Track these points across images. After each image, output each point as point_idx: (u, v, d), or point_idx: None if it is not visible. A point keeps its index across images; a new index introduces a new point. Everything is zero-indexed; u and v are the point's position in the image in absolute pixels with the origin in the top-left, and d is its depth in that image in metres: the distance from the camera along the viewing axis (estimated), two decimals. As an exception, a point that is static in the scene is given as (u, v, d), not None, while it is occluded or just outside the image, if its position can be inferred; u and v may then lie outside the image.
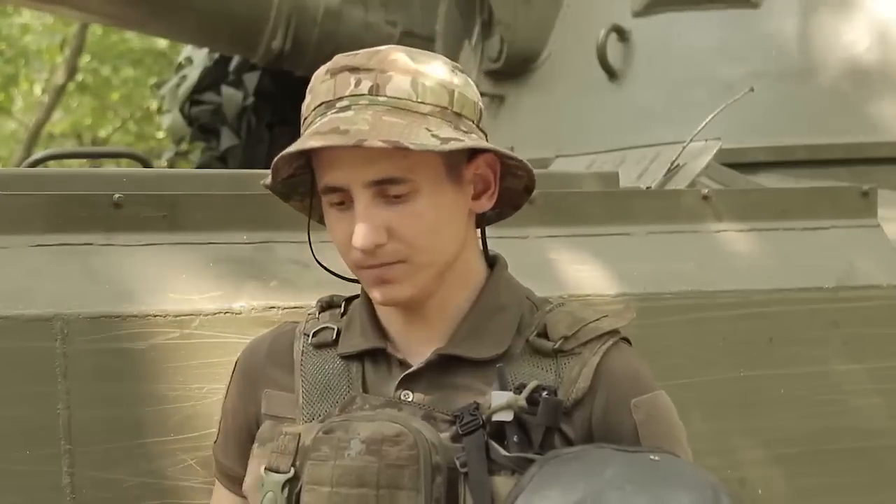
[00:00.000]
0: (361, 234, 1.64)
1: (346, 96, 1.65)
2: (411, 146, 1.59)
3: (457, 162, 1.69)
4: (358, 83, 1.65)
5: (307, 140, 1.64)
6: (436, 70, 1.69)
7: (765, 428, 2.55)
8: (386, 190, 1.64)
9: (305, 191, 1.79)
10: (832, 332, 2.62)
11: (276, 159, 1.68)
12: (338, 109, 1.65)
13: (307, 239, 1.83)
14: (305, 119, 1.71)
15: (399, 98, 1.65)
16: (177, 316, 2.16)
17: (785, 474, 2.56)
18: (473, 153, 1.72)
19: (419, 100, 1.65)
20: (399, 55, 1.68)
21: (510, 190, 1.78)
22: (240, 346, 2.02)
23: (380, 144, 1.59)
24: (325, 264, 1.82)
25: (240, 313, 2.20)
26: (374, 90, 1.65)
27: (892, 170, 3.66)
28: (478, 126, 1.72)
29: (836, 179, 3.61)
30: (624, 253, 2.57)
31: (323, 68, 1.70)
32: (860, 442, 2.62)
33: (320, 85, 1.69)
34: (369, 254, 1.65)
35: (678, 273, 2.56)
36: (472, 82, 1.74)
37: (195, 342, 2.16)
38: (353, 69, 1.67)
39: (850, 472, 2.62)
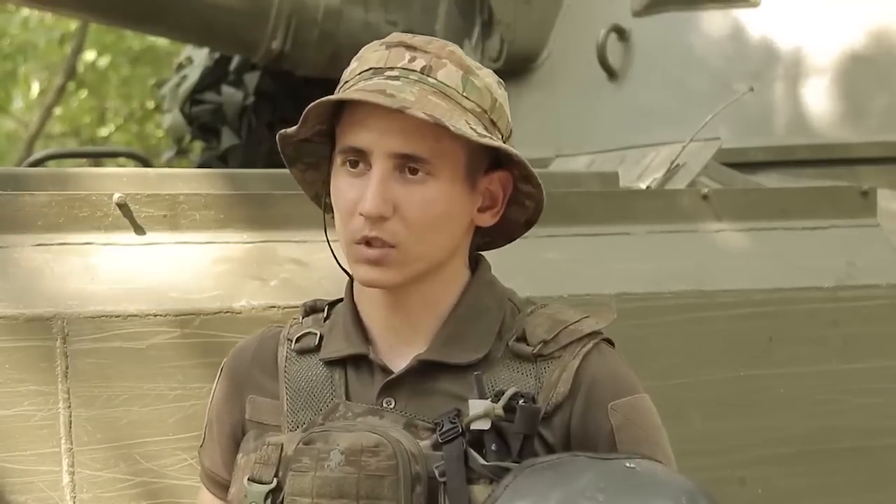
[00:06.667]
0: (370, 199, 1.63)
1: (398, 68, 1.67)
2: (452, 128, 1.61)
3: (476, 168, 1.71)
4: (412, 60, 1.67)
5: (352, 92, 1.65)
6: (486, 76, 1.72)
7: (765, 428, 2.55)
8: (406, 166, 1.65)
9: (311, 162, 1.78)
10: (832, 331, 2.62)
11: (309, 106, 1.67)
12: (386, 77, 1.66)
13: (322, 215, 1.81)
14: (346, 83, 1.70)
15: (447, 85, 1.67)
16: (177, 316, 2.16)
17: (785, 474, 2.56)
18: (491, 167, 1.73)
19: (465, 94, 1.67)
20: (457, 49, 1.71)
21: (510, 221, 1.78)
22: (240, 345, 2.02)
23: (423, 116, 1.60)
24: (332, 249, 1.80)
25: (240, 313, 2.20)
26: (426, 70, 1.66)
27: (893, 170, 3.66)
28: (505, 142, 1.73)
29: (836, 179, 3.61)
30: (624, 253, 2.57)
31: (376, 42, 1.71)
32: (860, 442, 2.62)
33: (372, 53, 1.70)
34: (370, 223, 1.64)
35: (678, 273, 2.56)
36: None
37: (195, 342, 2.16)
38: (410, 47, 1.69)
39: (850, 472, 2.62)
